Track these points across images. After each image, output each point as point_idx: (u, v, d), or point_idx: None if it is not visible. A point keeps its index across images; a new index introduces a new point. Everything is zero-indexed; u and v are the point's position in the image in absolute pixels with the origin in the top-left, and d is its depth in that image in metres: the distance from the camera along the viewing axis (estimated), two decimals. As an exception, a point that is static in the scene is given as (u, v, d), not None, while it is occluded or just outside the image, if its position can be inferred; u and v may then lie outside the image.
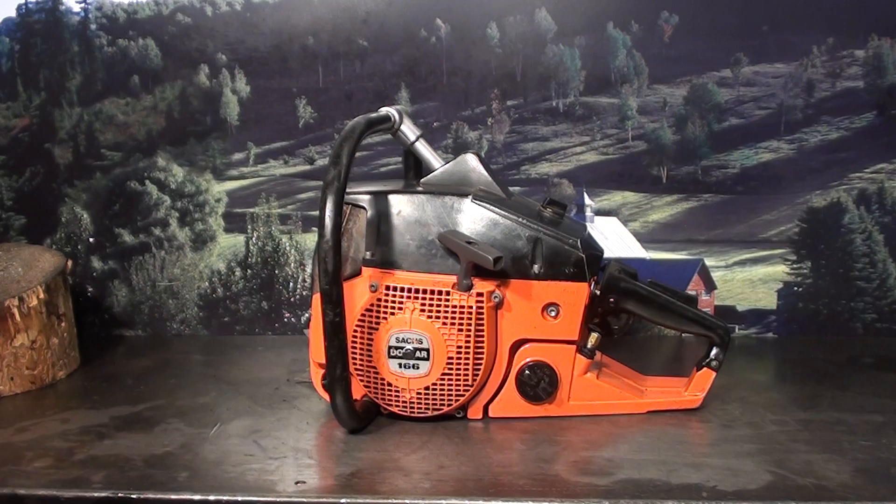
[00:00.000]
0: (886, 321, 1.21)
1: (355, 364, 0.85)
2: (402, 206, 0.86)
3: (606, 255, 0.93)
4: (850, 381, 1.01)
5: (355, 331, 0.84)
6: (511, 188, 0.94)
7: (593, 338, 0.88)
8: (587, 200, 1.21)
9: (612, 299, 0.88)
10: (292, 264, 1.25)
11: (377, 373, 0.84)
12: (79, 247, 1.25)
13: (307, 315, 1.24)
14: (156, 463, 0.78)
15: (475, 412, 0.88)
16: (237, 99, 1.21)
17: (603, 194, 1.22)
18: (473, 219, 0.86)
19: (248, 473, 0.75)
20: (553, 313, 0.86)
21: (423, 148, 0.92)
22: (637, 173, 1.21)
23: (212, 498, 0.71)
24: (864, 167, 1.19)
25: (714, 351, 0.90)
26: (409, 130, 0.92)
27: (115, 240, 1.25)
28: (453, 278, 0.84)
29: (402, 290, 0.83)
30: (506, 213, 0.86)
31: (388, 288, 0.83)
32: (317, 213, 0.77)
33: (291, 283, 1.25)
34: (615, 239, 1.22)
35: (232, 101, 1.22)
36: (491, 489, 0.71)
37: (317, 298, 0.82)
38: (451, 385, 0.84)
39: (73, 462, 0.78)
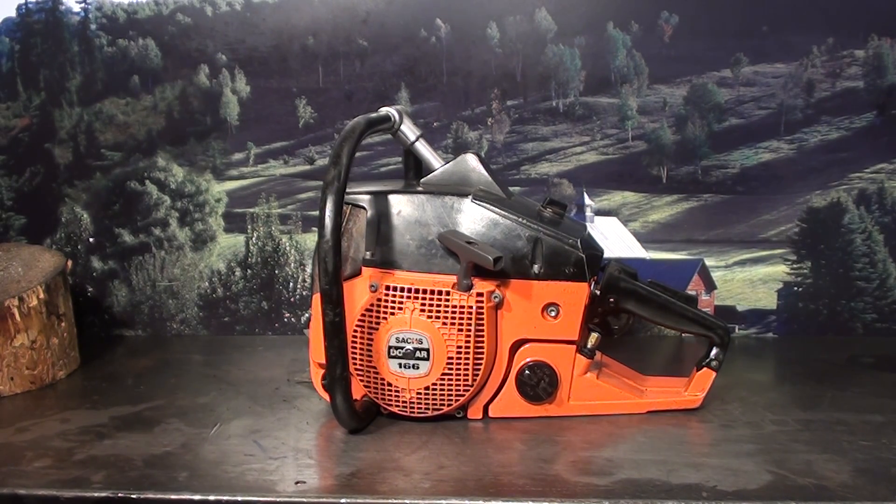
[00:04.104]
0: (886, 321, 1.21)
1: (355, 364, 0.85)
2: (402, 206, 0.86)
3: (606, 255, 0.93)
4: (850, 381, 1.01)
5: (355, 331, 0.84)
6: (511, 188, 0.94)
7: (593, 338, 0.89)
8: (587, 200, 1.21)
9: (612, 299, 0.88)
10: (292, 264, 1.25)
11: (377, 373, 0.84)
12: (79, 247, 1.25)
13: (307, 315, 1.24)
14: (156, 463, 0.78)
15: (475, 412, 0.88)
16: (237, 99, 1.21)
17: (603, 194, 1.22)
18: (473, 219, 0.86)
19: (248, 473, 0.75)
20: (553, 313, 0.86)
21: (423, 148, 0.92)
22: (637, 173, 1.21)
23: (212, 498, 0.71)
24: (864, 167, 1.19)
25: (714, 351, 0.90)
26: (409, 130, 0.92)
27: (115, 240, 1.25)
28: (453, 278, 0.84)
29: (402, 290, 0.83)
30: (506, 213, 0.86)
31: (388, 288, 0.83)
32: (317, 213, 0.77)
33: (291, 283, 1.25)
34: (615, 239, 1.22)
35: (232, 101, 1.22)
36: (491, 489, 0.71)
37: (317, 298, 0.82)
38: (451, 385, 0.84)
39: (73, 462, 0.78)
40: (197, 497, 0.71)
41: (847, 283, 1.21)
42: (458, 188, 0.88)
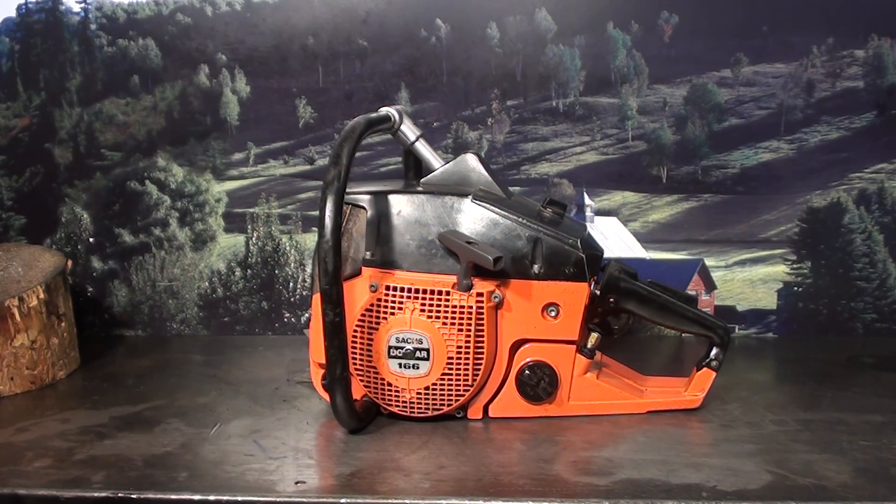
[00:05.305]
0: (886, 321, 1.21)
1: (355, 364, 0.85)
2: (402, 206, 0.86)
3: (606, 255, 0.93)
4: (850, 381, 1.01)
5: (355, 331, 0.84)
6: (511, 188, 0.94)
7: (593, 338, 0.89)
8: (587, 200, 1.21)
9: (612, 299, 0.88)
10: (292, 264, 1.25)
11: (377, 373, 0.84)
12: (79, 247, 1.25)
13: (307, 315, 1.24)
14: (156, 463, 0.78)
15: (475, 412, 0.88)
16: (237, 99, 1.21)
17: (603, 194, 1.22)
18: (473, 219, 0.86)
19: (248, 473, 0.75)
20: (553, 313, 0.86)
21: (423, 148, 0.92)
22: (637, 173, 1.21)
23: (212, 498, 0.71)
24: (864, 167, 1.19)
25: (714, 351, 0.90)
26: (409, 130, 0.92)
27: (115, 240, 1.25)
28: (453, 278, 0.84)
29: (402, 290, 0.83)
30: (506, 213, 0.86)
31: (388, 288, 0.83)
32: (317, 213, 0.77)
33: (291, 283, 1.25)
34: (615, 239, 1.22)
35: (232, 101, 1.22)
36: (491, 489, 0.71)
37: (317, 298, 0.82)
38: (451, 385, 0.84)
39: (73, 462, 0.78)
40: (197, 497, 0.71)
41: (847, 283, 1.21)
42: (458, 188, 0.88)
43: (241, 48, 1.20)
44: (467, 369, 0.83)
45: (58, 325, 1.04)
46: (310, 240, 1.24)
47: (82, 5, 1.21)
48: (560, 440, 0.83)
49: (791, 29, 1.17)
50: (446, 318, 0.82)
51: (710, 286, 1.22)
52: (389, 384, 0.85)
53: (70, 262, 1.10)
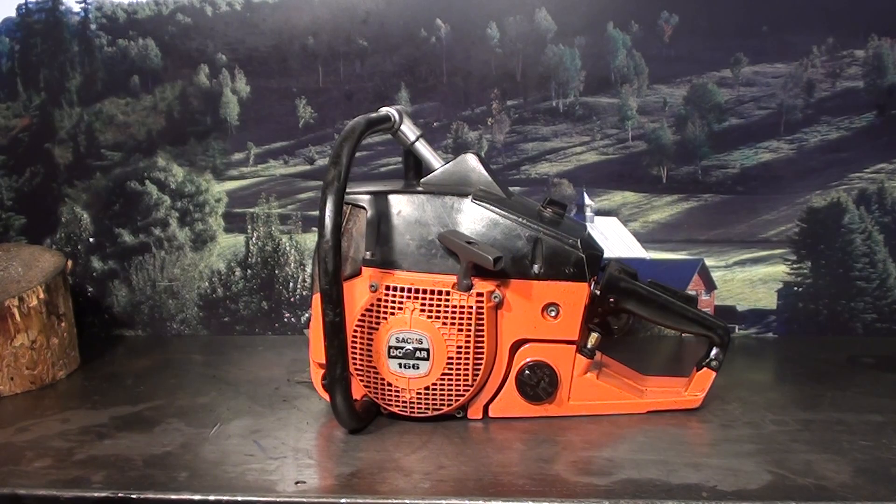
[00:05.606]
0: (886, 321, 1.21)
1: (355, 364, 0.85)
2: (402, 206, 0.86)
3: (606, 255, 0.93)
4: (850, 381, 1.01)
5: (355, 331, 0.84)
6: (511, 188, 0.94)
7: (593, 338, 0.89)
8: (587, 200, 1.21)
9: (612, 299, 0.88)
10: (292, 264, 1.25)
11: (377, 373, 0.84)
12: (79, 247, 1.25)
13: (307, 315, 1.24)
14: (156, 463, 0.78)
15: (475, 412, 0.88)
16: (237, 99, 1.21)
17: (603, 194, 1.22)
18: (473, 219, 0.86)
19: (248, 473, 0.75)
20: (553, 313, 0.86)
21: (423, 148, 0.92)
22: (637, 173, 1.21)
23: (212, 498, 0.71)
24: (864, 167, 1.19)
25: (714, 351, 0.90)
26: (409, 130, 0.92)
27: (115, 240, 1.25)
28: (453, 278, 0.84)
29: (402, 290, 0.83)
30: (506, 213, 0.86)
31: (388, 288, 0.83)
32: (317, 213, 0.77)
33: (291, 283, 1.25)
34: (615, 239, 1.22)
35: (232, 101, 1.22)
36: (491, 489, 0.71)
37: (317, 298, 0.82)
38: (451, 385, 0.84)
39: (73, 462, 0.78)
40: (197, 497, 0.71)
41: (847, 283, 1.21)
42: (458, 188, 0.88)
43: (241, 48, 1.20)
44: (467, 369, 0.83)
45: (58, 325, 1.04)
46: (310, 240, 1.24)
47: (82, 5, 1.21)
48: (560, 440, 0.83)
49: (791, 29, 1.17)
50: (446, 318, 0.82)
51: (710, 286, 1.22)
52: (389, 384, 0.85)
53: (70, 262, 1.10)
